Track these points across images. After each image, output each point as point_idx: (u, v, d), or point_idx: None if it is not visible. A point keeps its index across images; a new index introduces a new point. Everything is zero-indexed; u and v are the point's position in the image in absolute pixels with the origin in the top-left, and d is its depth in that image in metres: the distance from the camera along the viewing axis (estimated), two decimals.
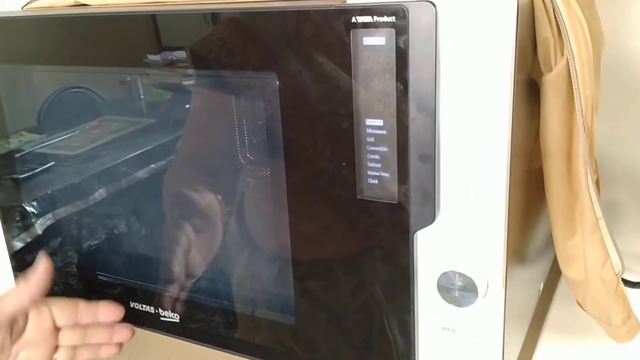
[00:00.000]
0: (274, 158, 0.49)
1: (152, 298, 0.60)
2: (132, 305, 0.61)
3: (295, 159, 0.47)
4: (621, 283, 0.51)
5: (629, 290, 0.63)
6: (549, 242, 0.54)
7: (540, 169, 0.50)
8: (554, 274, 0.68)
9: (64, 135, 0.65)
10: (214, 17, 0.47)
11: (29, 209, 0.67)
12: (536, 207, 0.54)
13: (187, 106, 0.56)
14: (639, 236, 0.76)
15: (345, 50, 0.42)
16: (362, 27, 0.41)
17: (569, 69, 0.45)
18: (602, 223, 0.48)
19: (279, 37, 0.44)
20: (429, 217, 0.43)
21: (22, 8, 0.66)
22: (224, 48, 0.47)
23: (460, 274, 0.44)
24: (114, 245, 0.65)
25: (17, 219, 0.68)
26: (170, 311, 0.59)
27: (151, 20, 0.51)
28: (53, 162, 0.65)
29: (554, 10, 0.44)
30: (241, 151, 0.54)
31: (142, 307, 0.61)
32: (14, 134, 0.66)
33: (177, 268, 0.60)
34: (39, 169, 0.66)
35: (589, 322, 0.54)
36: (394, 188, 0.44)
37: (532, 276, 0.59)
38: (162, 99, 0.58)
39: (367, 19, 0.40)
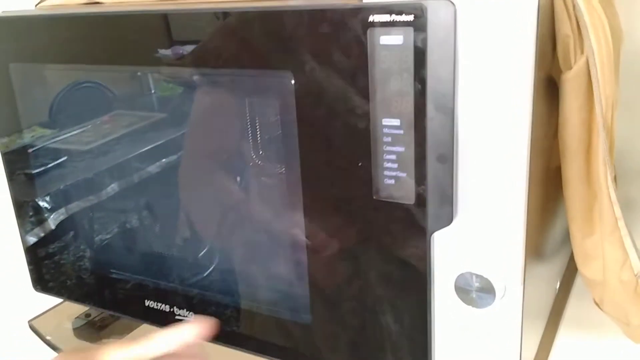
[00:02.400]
0: (289, 157, 0.49)
1: (167, 296, 0.60)
2: (146, 304, 0.61)
3: (310, 158, 0.47)
4: None
5: None
6: (565, 239, 0.54)
7: (558, 167, 0.49)
8: (570, 272, 0.67)
9: (75, 130, 0.65)
10: (228, 16, 0.47)
11: (42, 204, 0.68)
12: (554, 204, 0.53)
13: (200, 102, 0.55)
14: None
15: (361, 49, 0.41)
16: (380, 26, 0.40)
17: (588, 67, 0.44)
18: (621, 223, 0.47)
19: (295, 36, 0.44)
20: (447, 219, 0.43)
21: (35, 6, 0.67)
22: (238, 46, 0.47)
23: (478, 276, 0.44)
24: (127, 241, 0.65)
25: (31, 213, 0.69)
26: (185, 309, 0.59)
27: (164, 19, 0.50)
28: (65, 157, 0.66)
29: (574, 7, 0.43)
30: (254, 150, 0.54)
31: (157, 305, 0.61)
32: (27, 129, 0.66)
33: (192, 265, 0.60)
34: (51, 164, 0.66)
35: (606, 320, 0.54)
36: (411, 189, 0.43)
37: (549, 275, 0.59)
38: (173, 93, 0.57)
39: (384, 17, 0.40)
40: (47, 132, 0.66)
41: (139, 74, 0.57)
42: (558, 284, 0.64)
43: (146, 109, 0.59)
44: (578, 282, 0.68)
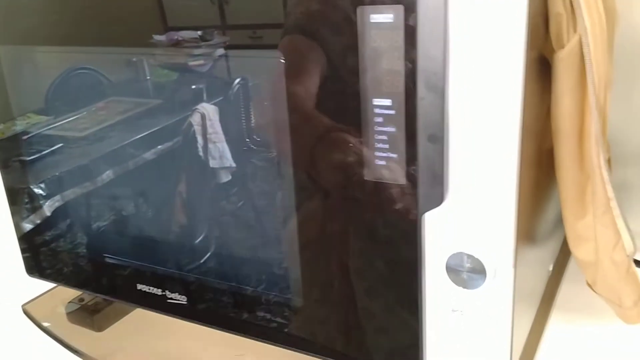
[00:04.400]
0: (280, 139, 0.49)
1: (159, 280, 0.60)
2: (139, 288, 0.61)
3: (301, 139, 0.46)
4: (633, 264, 0.51)
5: None
6: (559, 222, 0.54)
7: (550, 148, 0.49)
8: (564, 254, 0.67)
9: (70, 117, 0.64)
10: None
11: (37, 190, 0.68)
12: (546, 187, 0.53)
13: (194, 86, 0.55)
14: None
15: (352, 28, 0.41)
16: (370, 4, 0.40)
17: (581, 46, 0.43)
18: (613, 204, 0.47)
19: (280, 19, 0.43)
20: (438, 199, 0.43)
21: None
22: (229, 27, 0.47)
23: (469, 256, 0.43)
24: (121, 226, 0.65)
25: (26, 200, 0.68)
26: (177, 293, 0.59)
27: (154, 3, 0.50)
28: (60, 144, 0.65)
29: None
30: (247, 132, 0.54)
31: (149, 289, 0.61)
32: (21, 116, 0.66)
33: (184, 249, 0.59)
34: (46, 151, 0.66)
35: (599, 302, 0.54)
36: (402, 169, 0.43)
37: (542, 257, 0.59)
38: (168, 79, 0.57)
39: None
40: (43, 118, 0.65)
41: (134, 59, 0.56)
42: (551, 266, 0.64)
43: (142, 95, 0.59)
44: (572, 264, 0.68)
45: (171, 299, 0.60)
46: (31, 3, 0.58)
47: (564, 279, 0.67)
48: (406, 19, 0.39)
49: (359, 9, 0.40)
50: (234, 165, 0.55)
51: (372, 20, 0.40)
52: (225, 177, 0.56)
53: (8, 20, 0.59)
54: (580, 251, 0.51)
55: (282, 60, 0.45)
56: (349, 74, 0.42)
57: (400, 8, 0.39)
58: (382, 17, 0.40)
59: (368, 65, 0.42)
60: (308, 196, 0.48)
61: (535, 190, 0.49)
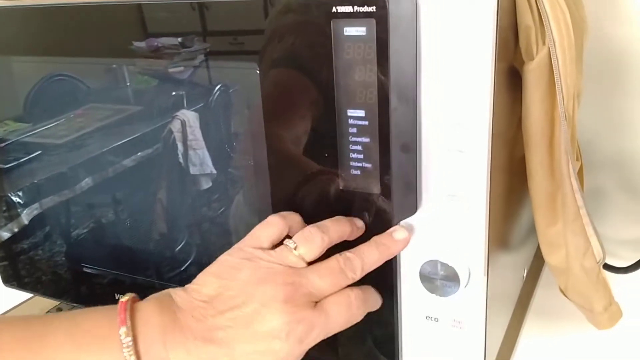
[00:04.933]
0: (256, 148, 0.49)
1: (138, 289, 0.60)
2: (116, 297, 0.61)
3: (277, 149, 0.47)
4: (602, 271, 0.52)
5: (614, 276, 0.64)
6: (532, 229, 0.55)
7: (522, 157, 0.50)
8: (538, 259, 0.68)
9: (49, 124, 0.64)
10: (196, 6, 0.47)
11: (15, 199, 0.67)
12: (519, 194, 0.54)
13: (174, 93, 0.55)
14: (624, 222, 0.77)
15: (326, 40, 0.42)
16: (343, 17, 0.41)
17: (550, 57, 0.44)
18: (583, 211, 0.48)
19: (260, 27, 0.44)
20: (411, 208, 0.43)
21: None
22: (204, 37, 0.47)
23: (442, 264, 0.44)
24: (100, 235, 0.65)
25: (4, 209, 0.68)
26: None
27: (134, 11, 0.50)
28: (38, 152, 0.65)
29: None
30: (227, 138, 0.54)
31: None
32: None
33: (164, 257, 0.59)
34: (24, 159, 0.65)
35: (572, 308, 0.55)
36: (376, 179, 0.44)
37: (516, 263, 0.60)
38: (148, 85, 0.57)
39: (347, 8, 0.40)
40: (21, 126, 0.65)
41: (113, 65, 0.56)
42: (525, 272, 0.65)
43: (121, 101, 0.59)
44: (546, 270, 0.69)
45: None
46: (7, 13, 0.57)
47: (539, 284, 0.68)
48: (378, 31, 0.40)
49: (333, 22, 0.41)
50: (214, 171, 0.55)
51: (345, 33, 0.41)
52: (206, 184, 0.56)
53: None
54: (552, 258, 0.52)
55: (258, 72, 0.45)
56: (324, 86, 0.43)
57: (372, 21, 0.40)
58: (355, 30, 0.41)
59: (342, 77, 0.42)
60: (284, 205, 0.48)
61: (508, 197, 0.50)
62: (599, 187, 0.78)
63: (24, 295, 0.75)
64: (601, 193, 0.78)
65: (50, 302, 0.73)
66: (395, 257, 0.45)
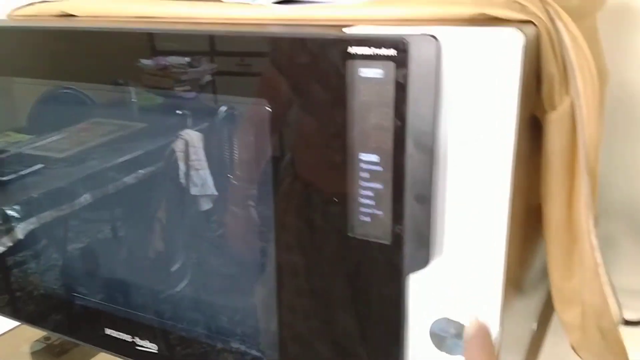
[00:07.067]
0: (262, 187, 0.47)
1: (129, 325, 0.57)
2: (106, 332, 0.58)
3: (284, 190, 0.45)
4: (619, 332, 0.49)
5: (626, 329, 0.61)
6: (543, 278, 0.52)
7: (537, 206, 0.48)
8: (548, 310, 0.66)
9: (51, 137, 0.62)
10: (204, 38, 0.45)
11: (10, 212, 0.65)
12: (533, 243, 0.52)
13: (179, 112, 0.53)
14: (637, 271, 0.75)
15: (340, 81, 0.40)
16: (360, 59, 0.39)
17: (573, 107, 0.43)
18: (601, 270, 0.46)
19: (272, 63, 0.42)
20: (423, 261, 0.41)
21: (6, 16, 0.64)
22: (215, 70, 0.45)
23: (454, 322, 0.42)
24: (92, 262, 0.63)
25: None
26: (148, 340, 0.57)
27: (140, 38, 0.48)
28: (38, 165, 0.63)
29: (560, 46, 0.42)
30: (230, 164, 0.52)
31: (117, 334, 0.58)
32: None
33: (158, 278, 0.57)
34: (23, 172, 0.63)
35: None
36: (387, 227, 0.41)
37: (527, 316, 0.57)
38: (153, 103, 0.55)
39: (364, 50, 0.38)
40: (24, 137, 0.63)
41: (120, 81, 0.54)
42: (535, 324, 0.62)
43: (125, 117, 0.57)
44: (555, 320, 0.67)
45: (141, 346, 0.57)
46: (11, 34, 0.56)
47: (547, 335, 0.66)
48: (396, 75, 0.38)
49: (348, 63, 0.39)
50: (215, 193, 0.53)
51: (361, 75, 0.39)
52: (206, 205, 0.54)
53: None
54: (566, 314, 0.49)
55: (268, 108, 0.43)
56: (336, 127, 0.41)
57: (390, 64, 0.38)
58: (372, 71, 0.39)
59: (356, 120, 0.40)
60: (289, 248, 0.46)
61: (522, 248, 0.47)
62: (610, 235, 0.76)
63: (12, 322, 0.72)
64: (613, 241, 0.76)
65: (39, 331, 0.71)
66: (403, 312, 0.43)
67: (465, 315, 0.42)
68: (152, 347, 0.57)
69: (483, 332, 0.41)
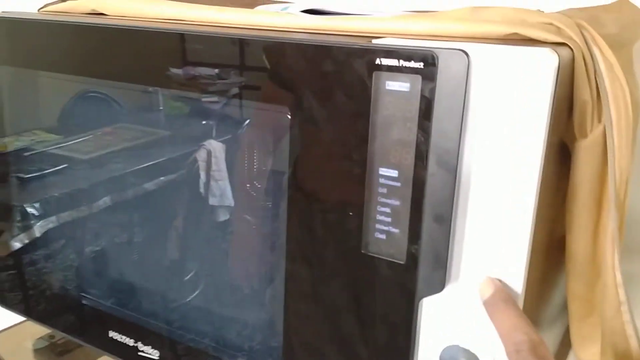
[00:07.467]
0: (277, 196, 0.46)
1: (133, 330, 0.56)
2: (110, 335, 0.57)
3: (299, 200, 0.44)
4: None
5: None
6: (560, 314, 0.50)
7: (561, 238, 0.46)
8: (563, 347, 0.63)
9: (77, 139, 0.62)
10: (235, 42, 0.45)
11: (30, 210, 0.65)
12: (552, 278, 0.50)
13: (204, 122, 0.53)
14: None
15: (365, 92, 0.39)
16: (386, 70, 0.38)
17: (605, 136, 0.41)
18: (624, 308, 0.44)
19: (296, 70, 0.41)
20: (439, 284, 0.39)
21: (38, 10, 0.64)
22: (242, 81, 0.45)
23: (466, 350, 0.40)
24: (107, 254, 0.62)
25: (18, 219, 0.65)
26: (150, 346, 0.56)
27: (174, 38, 0.48)
28: (61, 165, 0.63)
29: (595, 73, 0.41)
30: (249, 176, 0.51)
31: (121, 337, 0.57)
32: (26, 132, 0.64)
33: (170, 287, 0.56)
34: (46, 170, 0.63)
35: None
36: (403, 246, 0.40)
37: None
38: (179, 112, 0.55)
39: (392, 62, 0.37)
40: (50, 137, 0.63)
41: (150, 89, 0.54)
42: None
43: (150, 124, 0.57)
44: (571, 359, 0.64)
45: (142, 351, 0.56)
46: (43, 27, 0.56)
47: None
48: (423, 89, 0.37)
49: (375, 74, 0.38)
50: (233, 204, 0.52)
51: (387, 87, 0.38)
52: (224, 216, 0.54)
53: (19, 42, 0.58)
54: (584, 352, 0.47)
55: (289, 116, 0.42)
56: (357, 139, 0.40)
57: (417, 78, 0.37)
58: (398, 85, 0.38)
59: (378, 133, 0.39)
60: (299, 261, 0.45)
61: (541, 280, 0.46)
62: (635, 273, 0.73)
63: (18, 317, 0.71)
64: (637, 279, 0.73)
65: (43, 328, 0.70)
66: (413, 336, 0.41)
67: (478, 344, 0.40)
68: (153, 354, 0.55)
69: (498, 286, 0.39)
